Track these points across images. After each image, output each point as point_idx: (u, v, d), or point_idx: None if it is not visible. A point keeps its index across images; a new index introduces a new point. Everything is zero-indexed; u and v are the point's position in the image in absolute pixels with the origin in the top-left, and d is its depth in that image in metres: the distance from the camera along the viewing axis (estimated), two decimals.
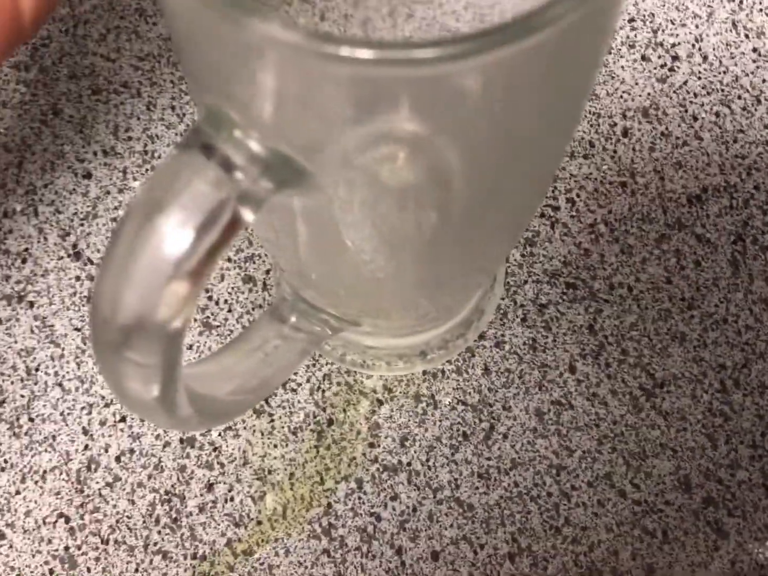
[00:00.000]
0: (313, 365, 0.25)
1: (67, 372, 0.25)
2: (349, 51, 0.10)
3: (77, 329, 0.25)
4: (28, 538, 0.23)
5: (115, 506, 0.24)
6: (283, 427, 0.25)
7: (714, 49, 0.29)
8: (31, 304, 0.26)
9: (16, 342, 0.25)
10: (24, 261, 0.26)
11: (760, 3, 0.30)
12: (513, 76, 0.11)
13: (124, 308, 0.13)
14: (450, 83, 0.11)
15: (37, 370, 0.25)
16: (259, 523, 0.24)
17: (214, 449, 0.24)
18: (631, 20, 0.30)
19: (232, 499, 0.24)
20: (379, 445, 0.24)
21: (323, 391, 0.25)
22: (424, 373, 0.25)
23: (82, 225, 0.26)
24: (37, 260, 0.26)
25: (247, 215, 0.13)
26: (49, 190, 0.27)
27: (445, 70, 0.10)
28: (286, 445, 0.24)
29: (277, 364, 0.20)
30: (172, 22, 0.13)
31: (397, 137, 0.13)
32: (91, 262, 0.26)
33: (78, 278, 0.26)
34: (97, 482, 0.24)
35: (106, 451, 0.24)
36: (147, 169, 0.27)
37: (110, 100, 0.28)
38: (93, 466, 0.24)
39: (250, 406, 0.20)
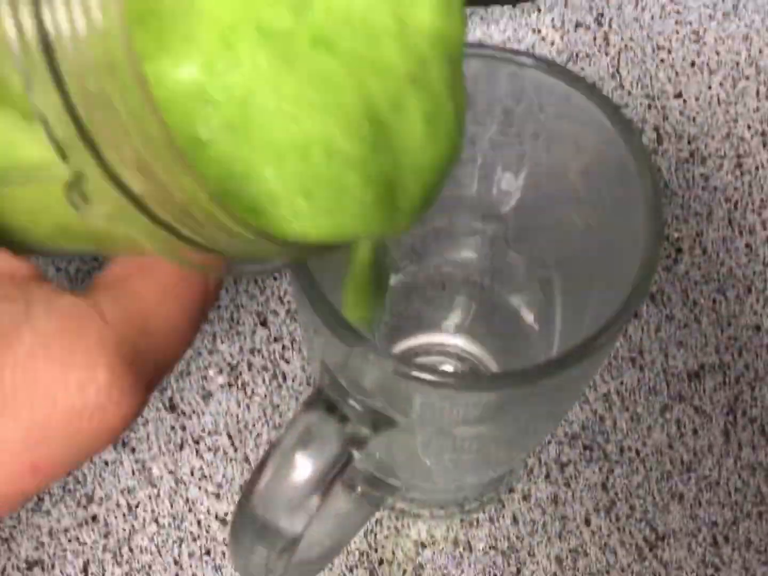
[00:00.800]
0: None
1: (162, 510, 0.30)
2: (418, 374, 0.16)
3: (171, 472, 0.30)
4: None
5: None
6: (341, 565, 0.29)
7: (712, 244, 0.34)
8: (133, 450, 0.31)
9: (119, 482, 0.30)
10: None
11: (752, 203, 0.35)
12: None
13: (264, 513, 0.18)
14: (489, 399, 0.16)
15: (137, 507, 0.30)
16: None
17: None
18: None
19: None
20: None
21: (375, 534, 0.30)
22: (462, 521, 0.30)
23: (177, 381, 0.32)
24: None
25: (356, 453, 0.18)
26: None
27: (487, 395, 0.16)
28: None
29: (348, 527, 0.25)
30: (299, 316, 0.19)
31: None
32: (184, 414, 0.31)
33: (173, 427, 0.31)
34: None
35: None
36: (232, 334, 0.32)
37: None
38: None
39: (325, 564, 0.24)
